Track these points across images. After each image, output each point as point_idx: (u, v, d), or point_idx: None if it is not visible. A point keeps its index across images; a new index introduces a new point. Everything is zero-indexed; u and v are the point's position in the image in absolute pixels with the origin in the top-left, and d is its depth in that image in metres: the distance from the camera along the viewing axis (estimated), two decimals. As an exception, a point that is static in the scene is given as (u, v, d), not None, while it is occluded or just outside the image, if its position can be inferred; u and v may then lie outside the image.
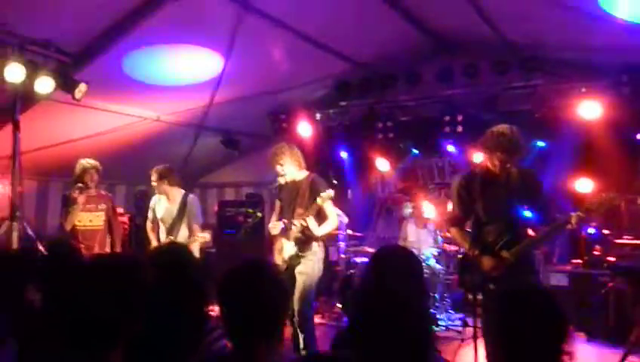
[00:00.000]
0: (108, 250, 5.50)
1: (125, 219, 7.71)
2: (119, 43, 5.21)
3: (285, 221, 4.64)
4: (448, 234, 5.70)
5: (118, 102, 6.48)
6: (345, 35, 6.39)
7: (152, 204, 5.64)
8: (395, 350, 1.49)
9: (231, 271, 1.87)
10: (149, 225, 5.65)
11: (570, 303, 5.09)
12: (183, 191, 5.55)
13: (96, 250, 5.37)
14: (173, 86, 6.48)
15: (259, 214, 5.70)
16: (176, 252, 2.44)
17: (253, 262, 1.90)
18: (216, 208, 8.81)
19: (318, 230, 4.47)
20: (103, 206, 5.59)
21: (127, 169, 8.15)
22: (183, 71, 6.24)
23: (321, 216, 4.51)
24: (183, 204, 5.42)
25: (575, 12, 4.87)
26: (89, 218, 5.47)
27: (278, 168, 4.63)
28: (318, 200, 4.37)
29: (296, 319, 4.32)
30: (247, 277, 1.84)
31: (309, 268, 4.42)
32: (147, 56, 5.72)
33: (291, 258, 4.50)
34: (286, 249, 4.56)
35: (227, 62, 6.06)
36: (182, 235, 5.40)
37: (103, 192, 5.75)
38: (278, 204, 4.85)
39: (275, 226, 4.67)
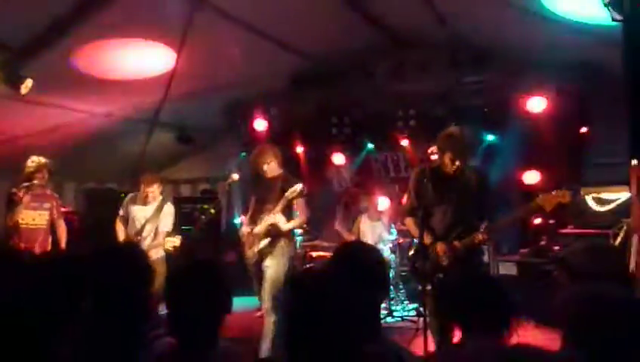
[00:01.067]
0: (48, 249, 5.37)
1: (74, 217, 7.50)
2: (67, 36, 5.06)
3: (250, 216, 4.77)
4: (403, 227, 5.81)
5: (67, 98, 6.29)
6: (299, 30, 6.39)
7: (125, 201, 5.56)
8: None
9: (177, 271, 1.92)
10: (119, 220, 5.53)
11: (519, 291, 5.26)
12: (161, 197, 5.46)
13: (37, 249, 5.21)
14: (124, 80, 6.33)
15: (212, 211, 5.66)
16: (129, 252, 2.43)
17: (198, 262, 1.96)
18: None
19: (285, 226, 4.57)
20: (47, 205, 5.46)
21: (77, 166, 7.93)
22: (134, 65, 6.10)
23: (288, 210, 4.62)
24: (159, 209, 5.35)
25: (521, 10, 5.02)
26: (32, 216, 5.33)
27: (265, 167, 4.68)
28: (287, 194, 4.48)
29: (266, 306, 4.40)
30: (191, 277, 1.89)
31: (275, 263, 4.51)
32: (97, 50, 5.57)
33: (260, 252, 4.59)
34: (255, 244, 4.64)
35: (179, 57, 5.97)
36: (149, 237, 5.33)
37: (48, 192, 5.57)
38: (252, 199, 4.92)
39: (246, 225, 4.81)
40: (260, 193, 4.79)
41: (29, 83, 5.00)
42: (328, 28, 6.52)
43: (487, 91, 6.67)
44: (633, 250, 3.05)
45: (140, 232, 5.35)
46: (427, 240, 3.65)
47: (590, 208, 5.67)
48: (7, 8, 4.55)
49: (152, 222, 5.38)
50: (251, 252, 4.67)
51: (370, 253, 2.18)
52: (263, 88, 7.76)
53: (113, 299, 1.94)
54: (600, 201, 5.57)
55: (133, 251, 2.37)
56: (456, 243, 3.58)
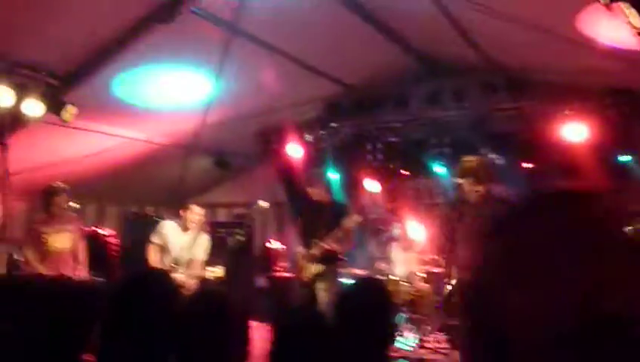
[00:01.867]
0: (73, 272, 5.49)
1: (114, 240, 7.70)
2: (108, 66, 5.28)
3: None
4: (435, 256, 5.75)
5: (108, 124, 6.52)
6: (334, 58, 6.49)
7: (163, 229, 5.62)
8: None
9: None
10: (154, 247, 5.60)
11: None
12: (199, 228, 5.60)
13: (62, 271, 5.33)
14: (163, 107, 6.54)
15: (239, 237, 5.80)
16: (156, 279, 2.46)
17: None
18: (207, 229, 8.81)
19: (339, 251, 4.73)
20: (69, 227, 5.57)
21: (118, 191, 8.19)
22: (172, 94, 6.30)
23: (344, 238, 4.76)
24: (195, 238, 5.47)
25: (555, 35, 4.96)
26: (58, 240, 5.46)
27: (309, 190, 4.86)
28: (345, 222, 4.63)
29: None
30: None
31: (329, 286, 4.66)
32: (136, 79, 5.79)
33: (314, 276, 4.72)
34: (308, 267, 4.79)
35: (217, 85, 6.14)
36: (184, 266, 5.43)
37: (70, 214, 5.68)
38: (300, 221, 5.10)
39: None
40: (308, 216, 4.95)
41: (71, 110, 5.21)
42: (364, 56, 6.60)
43: (523, 118, 6.56)
44: None
45: (176, 261, 5.44)
46: (455, 276, 3.63)
47: (632, 239, 5.47)
48: (52, 38, 4.80)
49: (188, 251, 5.48)
50: (303, 275, 4.82)
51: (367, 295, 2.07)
52: (298, 115, 7.86)
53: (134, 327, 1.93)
54: (641, 232, 5.36)
55: (159, 278, 2.39)
56: None
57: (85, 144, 6.67)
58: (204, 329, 1.69)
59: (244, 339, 1.72)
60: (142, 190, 8.59)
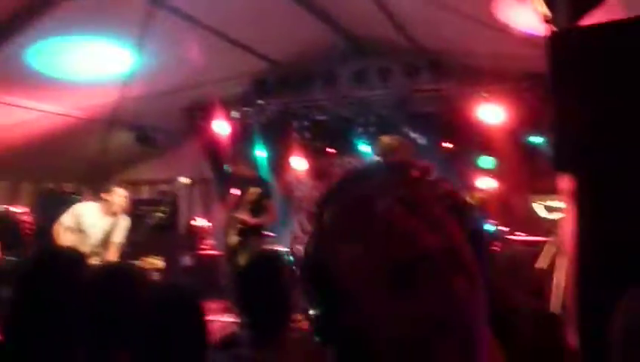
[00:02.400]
0: None
1: (29, 218, 7.35)
2: (21, 35, 4.98)
3: None
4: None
5: (23, 97, 6.17)
6: (262, 34, 6.42)
7: (80, 212, 5.34)
8: None
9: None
10: (65, 230, 5.33)
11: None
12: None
13: None
14: (82, 79, 6.25)
15: (159, 214, 5.68)
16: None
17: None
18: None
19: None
20: None
21: (33, 166, 7.78)
22: (91, 65, 6.03)
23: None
24: (117, 222, 5.26)
25: (475, 21, 5.14)
26: None
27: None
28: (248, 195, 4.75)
29: None
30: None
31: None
32: (52, 49, 5.50)
33: (233, 248, 5.38)
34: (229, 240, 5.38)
35: (138, 57, 5.93)
36: (112, 250, 5.22)
37: None
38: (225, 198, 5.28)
39: None
40: (233, 193, 5.03)
41: (-21, 81, 4.89)
42: (292, 33, 6.59)
43: (443, 99, 6.80)
44: (558, 273, 3.16)
45: (97, 245, 5.23)
46: None
47: (539, 215, 5.84)
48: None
49: (108, 236, 5.29)
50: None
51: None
52: (224, 91, 7.75)
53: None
54: (549, 209, 5.74)
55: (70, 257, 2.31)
56: None
57: (-4, 117, 6.29)
58: (115, 310, 1.64)
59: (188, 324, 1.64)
60: (59, 166, 8.21)
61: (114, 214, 5.29)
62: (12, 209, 7.32)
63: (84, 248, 5.18)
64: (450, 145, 7.18)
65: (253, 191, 4.92)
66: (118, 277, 1.72)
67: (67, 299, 1.59)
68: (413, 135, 6.90)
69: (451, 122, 6.83)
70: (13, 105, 6.21)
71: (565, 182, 2.39)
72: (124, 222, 5.35)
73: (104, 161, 8.46)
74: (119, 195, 5.34)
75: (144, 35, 5.53)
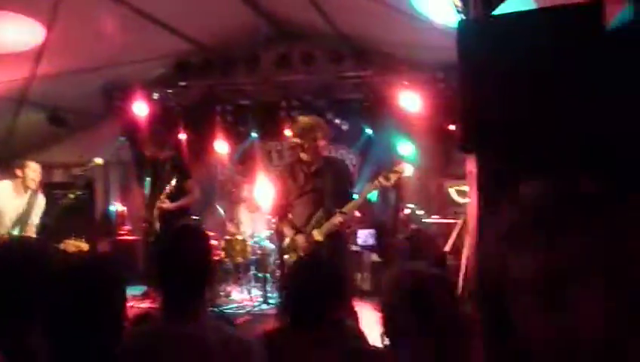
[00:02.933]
0: None
1: None
2: None
3: None
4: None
5: None
6: (186, 15, 6.28)
7: None
8: None
9: None
10: None
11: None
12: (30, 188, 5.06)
13: None
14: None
15: (71, 196, 5.46)
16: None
17: None
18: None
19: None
20: None
21: None
22: (-1, 38, 5.66)
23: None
24: (32, 200, 4.95)
25: (395, 11, 5.29)
26: None
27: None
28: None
29: None
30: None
31: None
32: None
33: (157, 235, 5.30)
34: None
35: (50, 32, 5.63)
36: (29, 231, 4.93)
37: None
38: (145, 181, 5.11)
39: None
40: (152, 176, 4.98)
41: None
42: (217, 16, 6.48)
43: (366, 86, 6.96)
44: (465, 250, 3.36)
45: (15, 225, 4.96)
46: (289, 233, 3.81)
47: (453, 199, 6.14)
48: None
49: (24, 215, 5.02)
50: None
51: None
52: (145, 71, 7.52)
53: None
54: (461, 193, 6.04)
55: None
56: (315, 233, 3.75)
57: None
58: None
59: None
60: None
61: (28, 190, 5.02)
62: None
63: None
64: (372, 131, 7.36)
65: (171, 183, 4.90)
66: (32, 251, 1.66)
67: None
68: (336, 120, 7.02)
69: (373, 108, 7.01)
70: None
71: (470, 164, 2.54)
72: (40, 201, 5.09)
73: (12, 141, 7.99)
74: (33, 170, 5.07)
75: (57, 7, 5.26)
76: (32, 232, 5.03)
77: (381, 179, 3.79)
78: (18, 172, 5.03)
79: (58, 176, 8.87)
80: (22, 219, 4.99)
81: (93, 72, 6.87)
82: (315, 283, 1.90)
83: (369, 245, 6.52)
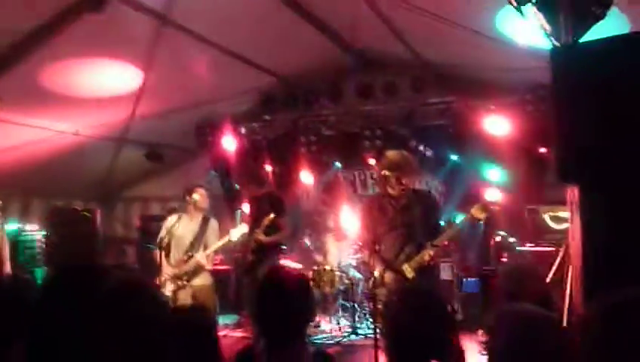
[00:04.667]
0: None
1: (39, 236, 7.44)
2: (34, 55, 5.08)
3: None
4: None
5: (35, 116, 6.27)
6: (269, 51, 6.52)
7: (168, 223, 5.31)
8: None
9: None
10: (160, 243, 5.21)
11: (481, 307, 5.39)
12: (202, 214, 5.34)
13: None
14: (91, 98, 6.35)
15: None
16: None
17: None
18: (138, 223, 8.67)
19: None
20: None
21: (44, 184, 7.88)
22: (101, 84, 6.13)
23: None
24: (206, 224, 5.23)
25: (479, 35, 5.20)
26: None
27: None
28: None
29: None
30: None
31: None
32: (64, 69, 5.60)
33: (251, 265, 5.55)
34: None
35: (147, 75, 6.03)
36: (200, 255, 5.15)
37: None
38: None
39: None
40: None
41: (-6, 101, 4.99)
42: (298, 49, 6.68)
43: (450, 112, 6.86)
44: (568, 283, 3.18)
45: (189, 249, 5.13)
46: (378, 267, 3.78)
47: (548, 226, 5.85)
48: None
49: (199, 237, 5.18)
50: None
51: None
52: (233, 107, 7.85)
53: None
54: (557, 219, 5.75)
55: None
56: (405, 267, 3.71)
57: (10, 136, 6.38)
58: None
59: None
60: (69, 183, 8.30)
61: (199, 214, 5.26)
62: (24, 226, 7.41)
63: (179, 256, 5.16)
64: (458, 158, 7.21)
65: (269, 217, 5.09)
66: (140, 295, 1.73)
67: (85, 312, 1.62)
68: (420, 148, 6.96)
69: (458, 134, 6.88)
70: (26, 125, 6.30)
71: (570, 192, 2.42)
72: (214, 224, 5.31)
73: (114, 178, 8.57)
74: (200, 194, 5.27)
75: (153, 53, 5.64)
76: (210, 257, 5.22)
77: (474, 211, 3.69)
78: (187, 198, 5.26)
79: (155, 209, 9.38)
80: (198, 242, 5.19)
81: (186, 111, 7.25)
82: (424, 321, 1.85)
83: (474, 293, 6.29)
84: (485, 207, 3.69)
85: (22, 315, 1.72)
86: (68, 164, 7.52)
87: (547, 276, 3.88)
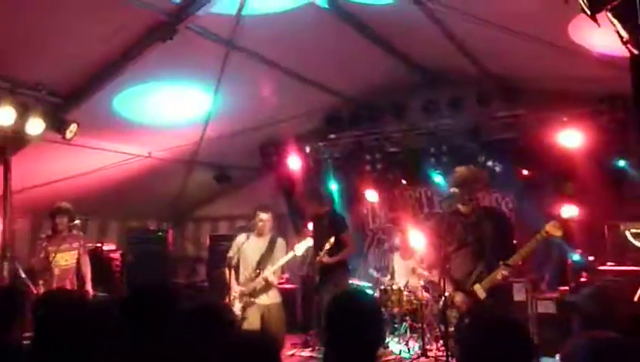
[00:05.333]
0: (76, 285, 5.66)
1: (117, 255, 7.76)
2: (109, 83, 5.36)
3: None
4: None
5: (110, 141, 6.59)
6: (332, 71, 6.58)
7: (237, 242, 5.50)
8: None
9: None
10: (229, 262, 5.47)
11: (557, 330, 5.13)
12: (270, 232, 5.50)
13: (68, 286, 5.50)
14: (163, 122, 6.61)
15: None
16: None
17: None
18: (208, 242, 8.89)
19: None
20: (75, 244, 5.79)
21: (120, 205, 8.24)
22: (173, 109, 6.38)
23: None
24: (272, 243, 5.38)
25: (548, 44, 5.03)
26: (65, 258, 5.63)
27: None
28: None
29: None
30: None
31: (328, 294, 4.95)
32: (137, 96, 5.87)
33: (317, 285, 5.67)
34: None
35: (215, 99, 6.23)
36: (267, 271, 5.27)
37: (75, 232, 5.82)
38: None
39: None
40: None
41: (73, 128, 5.29)
42: (362, 68, 6.70)
43: (518, 125, 6.64)
44: None
45: (258, 266, 5.27)
46: (448, 288, 3.68)
47: (630, 243, 5.50)
48: (54, 58, 4.89)
49: (266, 256, 5.30)
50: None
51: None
52: (297, 127, 7.95)
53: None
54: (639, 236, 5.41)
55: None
56: (477, 287, 3.58)
57: (87, 161, 6.73)
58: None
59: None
60: (143, 204, 8.65)
61: (265, 234, 5.40)
62: (102, 247, 7.77)
63: (247, 272, 5.31)
64: (528, 172, 6.95)
65: (329, 240, 5.21)
66: (210, 316, 1.77)
67: (160, 332, 1.68)
68: (489, 163, 6.75)
69: (528, 148, 6.63)
70: (101, 149, 6.63)
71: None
72: (281, 243, 5.43)
73: (184, 199, 8.85)
74: (267, 213, 5.41)
75: (221, 77, 5.81)
76: (277, 273, 5.32)
77: (549, 228, 3.53)
78: (255, 218, 5.42)
79: (223, 229, 9.59)
80: (265, 260, 5.30)
81: (252, 132, 7.41)
82: (502, 346, 1.76)
83: (550, 313, 6.00)
84: (561, 223, 3.52)
85: (103, 332, 1.79)
86: (141, 186, 7.85)
87: (635, 298, 3.65)
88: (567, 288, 6.10)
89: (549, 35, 4.94)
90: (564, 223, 3.55)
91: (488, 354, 1.75)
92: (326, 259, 5.53)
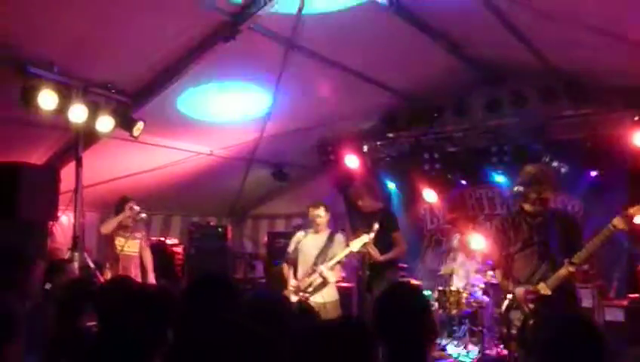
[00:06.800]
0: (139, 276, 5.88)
1: (179, 249, 8.00)
2: (173, 82, 5.53)
3: None
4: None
5: (174, 138, 6.81)
6: (391, 69, 6.51)
7: (296, 239, 5.58)
8: None
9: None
10: (288, 258, 5.57)
11: (626, 339, 4.88)
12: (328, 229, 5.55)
13: (133, 274, 5.72)
14: (225, 120, 6.76)
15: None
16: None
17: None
18: (265, 239, 9.02)
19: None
20: (138, 235, 6.04)
21: (182, 201, 8.50)
22: (233, 107, 6.51)
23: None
24: (330, 240, 5.41)
25: (618, 38, 4.80)
26: (128, 244, 5.86)
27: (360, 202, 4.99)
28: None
29: None
30: None
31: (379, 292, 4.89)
32: (200, 95, 6.03)
33: (367, 283, 5.50)
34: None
35: (275, 97, 6.31)
36: (324, 266, 5.26)
37: (141, 224, 6.10)
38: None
39: None
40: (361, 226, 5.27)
41: (140, 125, 5.50)
42: (421, 66, 6.59)
43: (586, 124, 6.35)
44: None
45: (316, 262, 5.28)
46: (511, 288, 3.57)
47: None
48: (123, 58, 5.11)
49: (324, 251, 5.31)
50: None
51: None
52: (356, 126, 7.93)
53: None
54: None
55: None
56: (541, 285, 3.45)
57: (152, 158, 6.98)
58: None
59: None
60: (204, 201, 8.88)
61: (323, 229, 5.45)
62: (165, 240, 8.04)
63: (304, 268, 5.36)
64: (598, 173, 6.65)
65: (375, 228, 5.09)
66: (274, 304, 1.80)
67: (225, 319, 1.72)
68: (554, 164, 6.49)
69: (597, 149, 6.32)
70: (166, 147, 6.86)
71: None
72: (339, 238, 5.44)
73: (243, 196, 9.01)
74: (322, 210, 5.45)
75: (281, 76, 5.88)
76: (335, 269, 5.29)
77: (616, 222, 3.36)
78: (312, 215, 5.48)
79: (280, 226, 9.71)
80: (323, 256, 5.31)
81: (310, 130, 7.45)
82: (577, 344, 1.69)
83: (618, 321, 5.74)
84: (629, 217, 3.33)
85: (166, 320, 1.85)
86: (203, 183, 8.05)
87: None
88: (637, 295, 5.80)
89: (620, 27, 4.71)
90: (632, 217, 3.35)
91: (559, 351, 1.69)
92: (375, 254, 5.43)
